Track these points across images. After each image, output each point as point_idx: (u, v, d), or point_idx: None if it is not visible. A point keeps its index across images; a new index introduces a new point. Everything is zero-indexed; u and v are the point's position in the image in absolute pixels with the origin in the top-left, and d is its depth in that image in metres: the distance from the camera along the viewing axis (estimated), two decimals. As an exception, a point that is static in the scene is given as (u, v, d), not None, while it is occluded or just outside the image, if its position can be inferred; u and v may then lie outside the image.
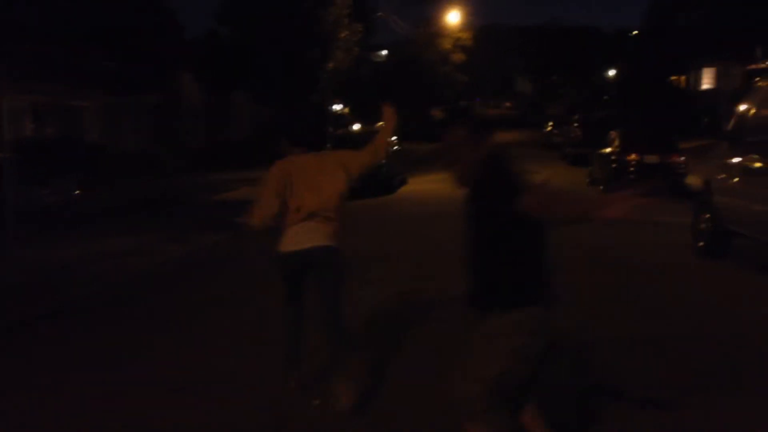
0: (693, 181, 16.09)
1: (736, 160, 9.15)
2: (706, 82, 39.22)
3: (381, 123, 21.76)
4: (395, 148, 22.78)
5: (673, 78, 42.87)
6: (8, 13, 20.67)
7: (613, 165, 17.68)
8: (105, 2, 25.06)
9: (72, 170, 18.58)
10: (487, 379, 3.33)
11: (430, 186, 21.42)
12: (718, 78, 37.54)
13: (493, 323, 3.40)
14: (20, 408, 5.61)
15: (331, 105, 35.83)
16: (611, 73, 57.76)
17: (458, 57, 52.93)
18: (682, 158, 17.40)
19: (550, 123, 38.67)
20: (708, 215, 9.76)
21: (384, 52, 61.21)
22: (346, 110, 49.07)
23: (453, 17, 52.36)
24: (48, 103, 23.05)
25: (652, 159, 17.43)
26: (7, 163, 13.32)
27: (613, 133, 18.84)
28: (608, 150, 18.27)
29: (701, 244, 9.92)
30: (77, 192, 17.93)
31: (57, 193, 16.90)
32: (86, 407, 5.54)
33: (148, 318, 8.26)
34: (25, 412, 5.54)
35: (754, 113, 8.96)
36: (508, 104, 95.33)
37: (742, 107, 9.52)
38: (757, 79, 9.93)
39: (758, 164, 8.52)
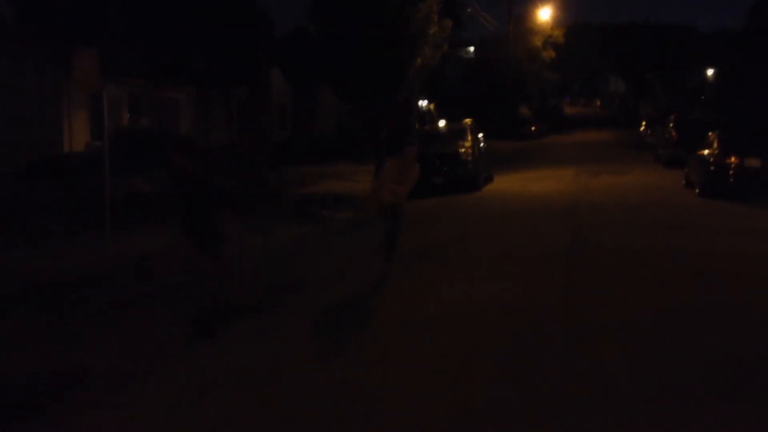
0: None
1: None
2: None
3: (467, 120, 21.57)
4: (482, 145, 22.43)
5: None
6: (107, 10, 21.41)
7: (711, 168, 16.88)
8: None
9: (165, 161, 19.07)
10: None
11: (515, 184, 21.04)
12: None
13: None
14: (108, 393, 5.73)
15: (417, 101, 35.68)
16: (709, 73, 55.60)
17: (548, 54, 51.98)
18: (787, 162, 16.46)
19: (643, 123, 37.45)
20: (817, 223, 9.16)
21: (471, 49, 60.67)
22: (432, 106, 48.89)
23: (544, 14, 51.50)
24: (144, 95, 23.79)
25: (753, 162, 16.56)
26: (104, 152, 13.72)
27: (711, 135, 18.00)
28: (706, 152, 17.48)
29: (809, 253, 9.32)
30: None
31: (151, 183, 17.40)
32: (176, 399, 5.61)
33: (233, 307, 8.36)
34: (115, 397, 5.66)
35: None
36: (597, 103, 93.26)
37: None
38: None
39: None
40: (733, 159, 16.65)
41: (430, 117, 42.09)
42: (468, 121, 23.78)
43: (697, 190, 17.56)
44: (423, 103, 43.97)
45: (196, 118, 26.98)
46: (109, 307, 8.47)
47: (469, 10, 40.66)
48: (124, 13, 22.13)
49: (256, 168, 24.71)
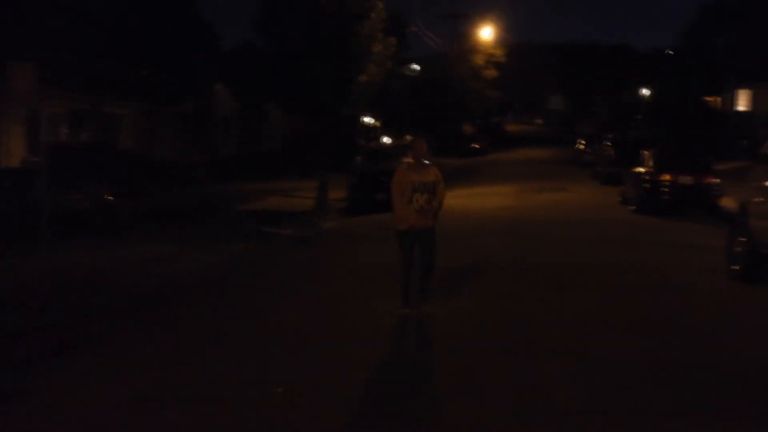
0: (728, 203, 15.89)
1: (773, 183, 8.95)
2: (742, 104, 38.74)
3: (409, 137, 21.81)
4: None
5: (708, 99, 42.42)
6: (48, 23, 21.03)
7: (646, 185, 17.43)
8: (143, 13, 25.41)
9: (105, 176, 18.78)
10: None
11: (458, 201, 21.30)
12: (754, 100, 37.07)
13: None
14: (35, 416, 5.61)
15: (363, 118, 35.89)
16: (645, 92, 57.26)
17: (490, 73, 52.87)
18: (717, 180, 17.11)
19: (582, 141, 38.38)
20: (743, 238, 9.55)
21: (416, 67, 61.23)
22: (377, 123, 49.18)
23: (486, 33, 52.41)
24: (86, 110, 23.37)
25: (686, 180, 17.16)
26: (41, 167, 13.47)
27: (646, 153, 18.59)
28: (641, 170, 18.03)
29: (736, 267, 9.71)
30: (109, 198, 18.11)
31: (89, 199, 17.07)
32: (105, 415, 5.55)
33: (173, 325, 8.29)
34: (43, 420, 5.55)
35: (794, 136, 8.78)
36: (539, 121, 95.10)
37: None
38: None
39: (796, 188, 8.33)
40: (667, 176, 17.22)
41: (375, 133, 42.34)
42: (412, 137, 24.05)
43: (633, 207, 18.08)
44: (368, 119, 44.22)
45: (139, 133, 26.60)
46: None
47: (413, 28, 41.17)
48: (68, 26, 21.75)
49: (200, 183, 24.51)
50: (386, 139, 30.10)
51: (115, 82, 23.80)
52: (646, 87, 56.10)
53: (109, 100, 24.06)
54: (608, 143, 27.46)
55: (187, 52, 26.70)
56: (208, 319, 8.47)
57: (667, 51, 50.26)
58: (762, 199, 9.30)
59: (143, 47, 24.48)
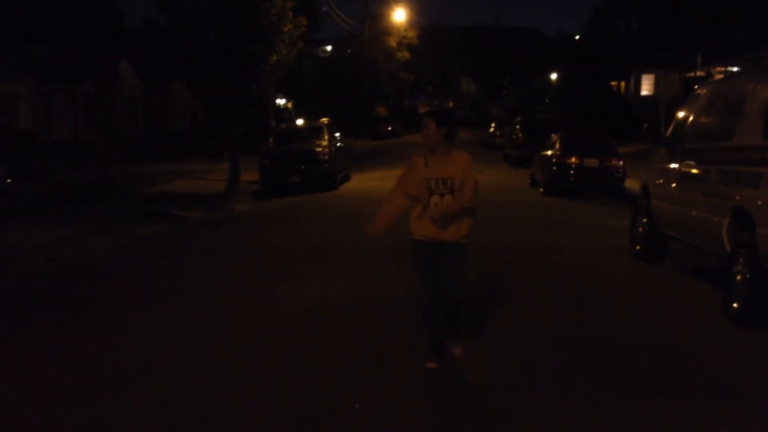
0: (631, 185, 16.47)
1: (672, 165, 9.27)
2: (645, 88, 40.25)
3: (324, 119, 21.48)
4: (338, 144, 22.59)
5: (613, 83, 43.82)
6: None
7: (554, 168, 17.88)
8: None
9: (2, 158, 17.95)
10: None
11: (371, 183, 21.32)
12: (657, 84, 38.56)
13: None
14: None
15: (274, 99, 35.39)
16: (553, 76, 58.75)
17: (403, 55, 53.07)
18: (621, 162, 17.71)
19: (493, 124, 39.07)
20: (645, 219, 9.88)
21: (329, 48, 60.90)
22: (289, 104, 48.69)
23: (398, 15, 52.51)
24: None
25: (591, 162, 17.70)
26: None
27: (554, 136, 19.07)
28: (549, 153, 18.48)
29: (638, 247, 10.04)
30: (8, 180, 17.34)
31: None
32: (3, 404, 5.30)
33: (76, 311, 7.97)
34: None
35: (692, 120, 9.10)
36: (450, 103, 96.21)
37: (680, 114, 9.67)
38: (696, 86, 10.12)
39: (694, 170, 8.65)
40: (573, 159, 17.73)
41: (287, 115, 41.90)
42: (325, 119, 23.91)
43: (541, 189, 18.53)
44: (281, 101, 43.71)
45: (38, 113, 25.46)
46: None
47: (324, 8, 40.85)
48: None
49: (104, 164, 23.70)
50: (299, 121, 29.81)
51: (11, 59, 22.68)
52: (554, 71, 57.56)
53: (5, 77, 22.91)
54: (517, 126, 28.00)
55: (88, 29, 25.67)
56: (112, 306, 8.17)
57: (574, 37, 51.62)
58: (662, 181, 9.64)
59: (42, 23, 23.39)
